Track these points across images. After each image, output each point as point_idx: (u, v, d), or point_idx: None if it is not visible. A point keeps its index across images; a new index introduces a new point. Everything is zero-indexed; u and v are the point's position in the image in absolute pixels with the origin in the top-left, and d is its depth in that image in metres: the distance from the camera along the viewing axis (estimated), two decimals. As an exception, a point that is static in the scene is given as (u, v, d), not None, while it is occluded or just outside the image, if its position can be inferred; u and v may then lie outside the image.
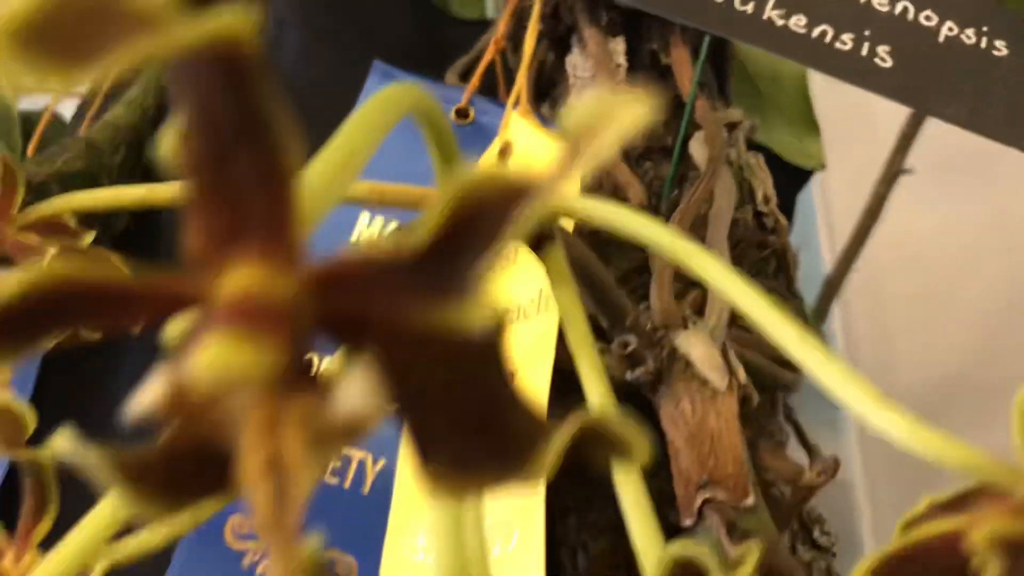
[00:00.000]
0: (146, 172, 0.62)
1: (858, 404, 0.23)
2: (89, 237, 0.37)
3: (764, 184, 0.50)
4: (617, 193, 0.48)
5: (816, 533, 0.46)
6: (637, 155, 0.51)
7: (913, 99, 0.52)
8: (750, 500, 0.37)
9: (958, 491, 0.22)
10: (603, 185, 0.49)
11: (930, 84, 0.51)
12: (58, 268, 0.14)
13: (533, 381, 0.44)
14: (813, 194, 1.15)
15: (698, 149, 0.49)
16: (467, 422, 0.17)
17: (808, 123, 0.70)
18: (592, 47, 0.52)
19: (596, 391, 0.31)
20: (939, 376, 1.19)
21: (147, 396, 0.14)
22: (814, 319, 1.04)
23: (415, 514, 0.47)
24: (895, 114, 0.97)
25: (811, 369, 0.24)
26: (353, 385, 0.15)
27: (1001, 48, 0.51)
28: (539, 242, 0.34)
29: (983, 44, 0.51)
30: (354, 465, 0.50)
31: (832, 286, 1.03)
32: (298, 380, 0.15)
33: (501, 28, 0.55)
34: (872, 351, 1.26)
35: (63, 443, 0.16)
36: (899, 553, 0.21)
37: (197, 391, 0.14)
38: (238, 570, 0.50)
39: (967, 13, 0.51)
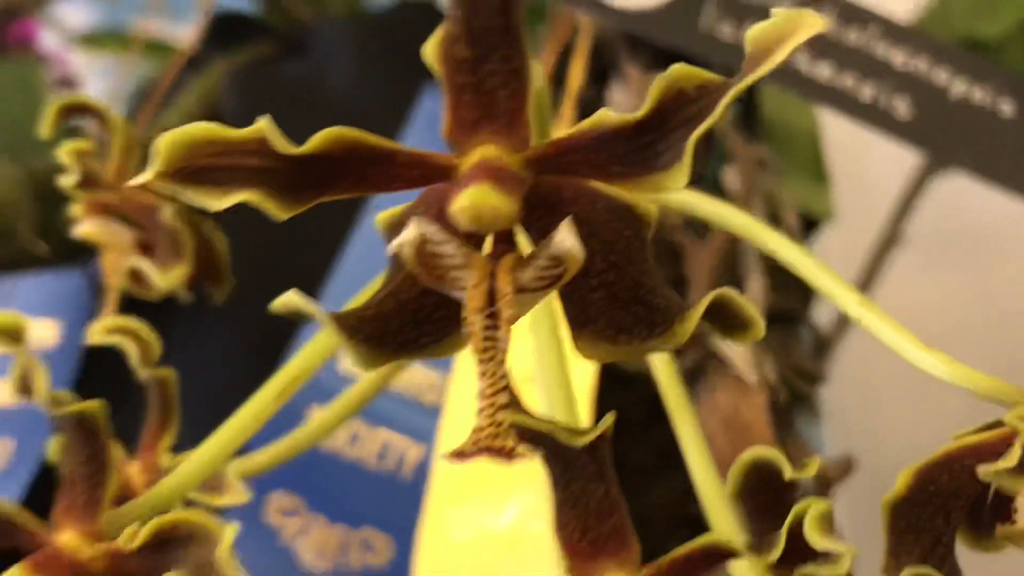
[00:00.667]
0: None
1: (908, 350, 0.27)
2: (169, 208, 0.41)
3: (789, 217, 0.54)
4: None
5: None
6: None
7: (927, 147, 0.57)
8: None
9: (984, 424, 0.26)
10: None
11: (943, 137, 0.56)
12: (350, 132, 0.18)
13: (579, 372, 0.48)
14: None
15: (731, 179, 0.53)
16: (624, 293, 0.21)
17: (818, 175, 0.75)
18: (634, 82, 0.57)
19: (660, 362, 0.35)
20: (926, 446, 1.23)
21: (406, 236, 0.19)
22: (807, 380, 1.08)
23: (451, 497, 0.50)
24: (890, 184, 1.03)
25: (869, 324, 0.28)
26: (558, 241, 0.19)
27: (1006, 109, 0.57)
28: None
29: (989, 102, 0.57)
30: (395, 452, 0.54)
31: (825, 341, 1.08)
32: (509, 238, 0.19)
33: (546, 63, 0.60)
34: (862, 419, 1.30)
35: (295, 300, 0.21)
36: (935, 461, 0.25)
37: (460, 224, 0.18)
38: (275, 546, 0.53)
39: (975, 71, 0.56)
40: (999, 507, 0.26)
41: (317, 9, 0.84)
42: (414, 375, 0.54)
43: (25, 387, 0.23)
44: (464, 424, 0.57)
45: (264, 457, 0.34)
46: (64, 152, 0.36)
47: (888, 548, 0.25)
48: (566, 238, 0.18)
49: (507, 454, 0.19)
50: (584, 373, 0.47)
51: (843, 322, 1.09)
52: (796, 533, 0.20)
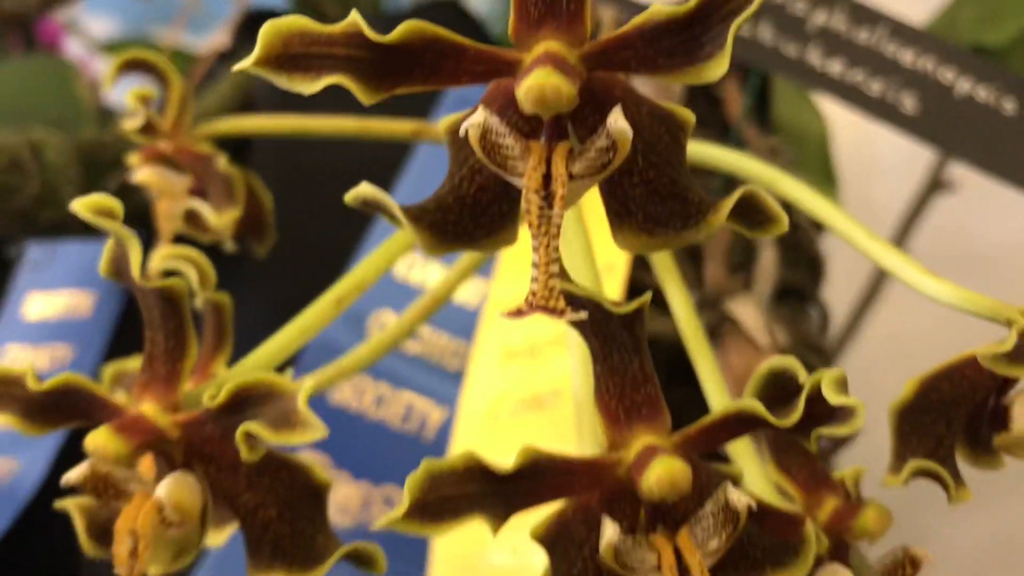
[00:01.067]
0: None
1: (912, 277, 0.29)
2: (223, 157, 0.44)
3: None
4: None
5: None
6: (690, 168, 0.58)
7: (931, 141, 0.60)
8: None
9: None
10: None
11: (948, 131, 0.59)
12: (429, 26, 0.21)
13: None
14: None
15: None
16: (663, 189, 0.23)
17: (827, 178, 0.77)
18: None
19: (678, 300, 0.37)
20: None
21: (474, 119, 0.21)
22: (816, 353, 1.11)
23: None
24: (893, 201, 1.05)
25: (877, 256, 0.31)
26: (612, 123, 0.21)
27: (1009, 107, 0.59)
28: None
29: (993, 101, 0.59)
30: (418, 414, 0.56)
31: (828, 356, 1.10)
32: (560, 130, 0.22)
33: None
34: (860, 441, 1.32)
35: (367, 190, 0.23)
36: (938, 372, 0.27)
37: (525, 105, 0.20)
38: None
39: (980, 72, 0.59)
40: (996, 417, 0.28)
41: (345, 8, 0.87)
42: (439, 340, 0.57)
43: (116, 268, 0.25)
44: (484, 389, 0.59)
45: (334, 370, 0.36)
46: (130, 96, 0.38)
47: (894, 450, 0.28)
48: (618, 120, 0.21)
49: (558, 313, 0.21)
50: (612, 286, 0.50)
51: (846, 337, 1.11)
52: (814, 398, 0.22)
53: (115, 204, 0.25)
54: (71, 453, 0.62)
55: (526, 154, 0.22)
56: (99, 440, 0.24)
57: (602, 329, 0.23)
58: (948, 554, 1.15)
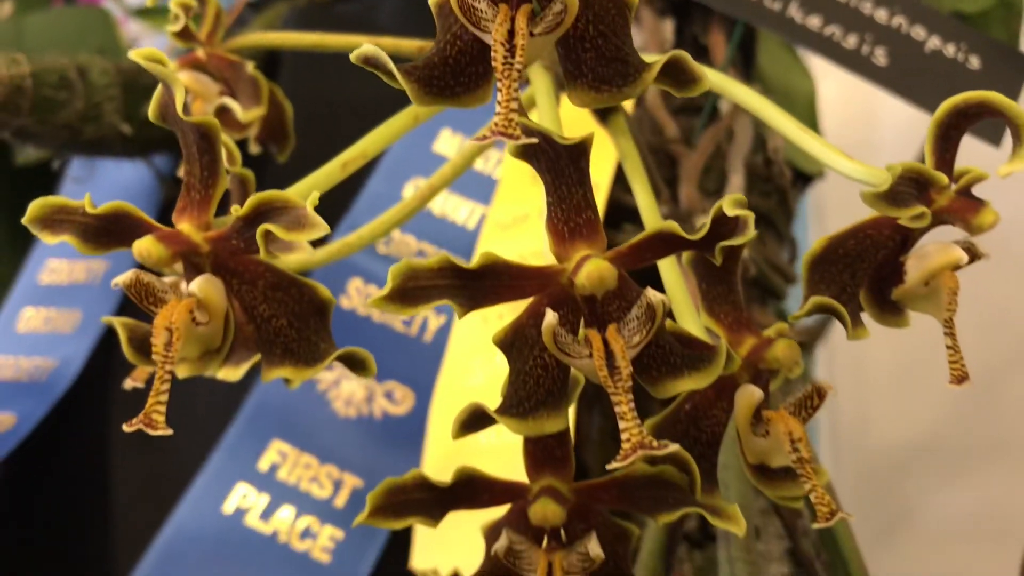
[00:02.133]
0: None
1: (829, 156, 0.34)
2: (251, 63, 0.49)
3: (774, 139, 0.62)
4: (656, 129, 0.61)
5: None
6: (675, 108, 0.63)
7: (902, 92, 0.65)
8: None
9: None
10: (643, 123, 0.61)
11: (916, 83, 0.64)
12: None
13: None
14: (809, 230, 1.27)
15: (726, 106, 0.61)
16: (609, 54, 0.29)
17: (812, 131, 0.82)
18: (647, 24, 0.65)
19: (646, 202, 0.43)
20: (912, 436, 1.29)
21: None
22: (780, 274, 1.16)
23: (467, 353, 0.58)
24: (894, 151, 1.10)
25: (796, 138, 0.36)
26: None
27: (975, 62, 0.64)
28: (605, 113, 0.47)
29: (960, 58, 0.64)
30: (419, 319, 0.61)
31: (822, 322, 1.15)
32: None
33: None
34: (851, 409, 1.36)
35: (369, 49, 0.28)
36: (844, 232, 0.33)
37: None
38: (313, 393, 0.60)
39: (949, 31, 0.64)
40: (895, 274, 0.33)
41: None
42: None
43: (162, 112, 0.31)
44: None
45: (321, 254, 0.42)
46: (173, 4, 0.44)
47: (805, 296, 0.33)
48: None
49: (515, 137, 0.26)
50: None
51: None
52: (719, 219, 0.27)
53: (162, 55, 0.30)
54: (99, 356, 0.68)
55: (495, 12, 0.27)
56: (144, 245, 0.29)
57: (553, 164, 0.28)
58: (935, 520, 1.20)
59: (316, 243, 0.43)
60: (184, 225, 0.31)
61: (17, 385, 0.67)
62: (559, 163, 0.28)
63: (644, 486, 0.31)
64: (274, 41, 0.51)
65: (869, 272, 0.33)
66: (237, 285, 0.31)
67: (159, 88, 0.31)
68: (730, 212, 0.27)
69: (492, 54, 0.27)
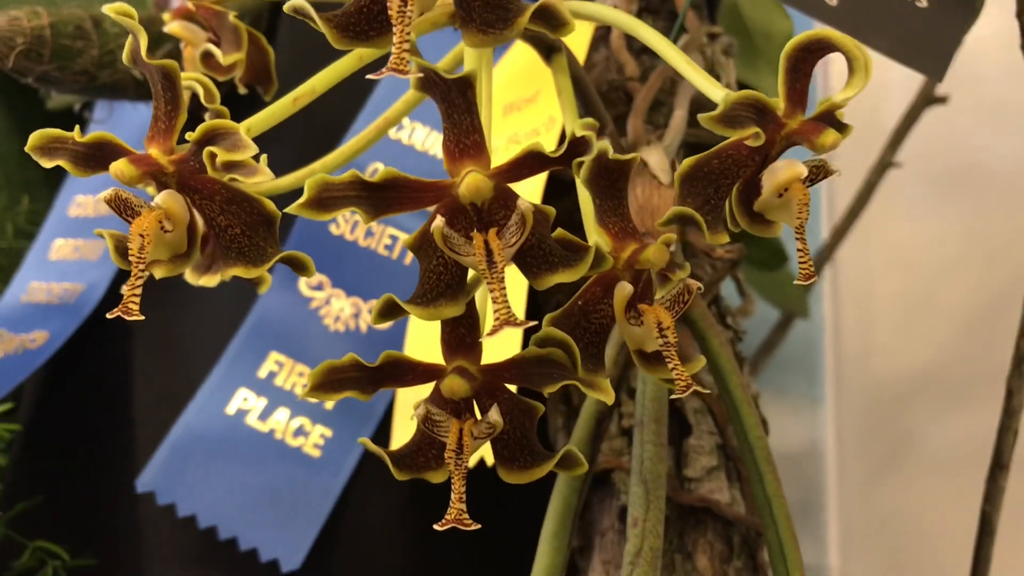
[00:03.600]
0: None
1: (698, 81, 0.40)
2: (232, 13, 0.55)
3: (729, 77, 0.67)
4: (618, 68, 0.66)
5: (728, 319, 0.63)
6: (638, 49, 0.68)
7: (852, 31, 0.70)
8: (673, 248, 0.54)
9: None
10: (609, 61, 0.66)
11: (865, 21, 0.68)
12: None
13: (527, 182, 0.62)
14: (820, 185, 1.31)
15: (683, 48, 0.66)
16: (492, 1, 0.34)
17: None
18: (614, -31, 0.70)
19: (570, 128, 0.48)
20: (914, 368, 1.33)
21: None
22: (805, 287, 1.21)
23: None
24: (894, 113, 1.13)
25: (685, 72, 0.41)
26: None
27: (923, 1, 0.69)
28: (549, 52, 0.52)
29: (905, -4, 0.68)
30: (400, 244, 0.68)
31: (825, 253, 1.19)
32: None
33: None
34: (856, 341, 1.41)
35: (297, 2, 0.35)
36: (709, 154, 0.38)
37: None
38: (306, 311, 0.68)
39: (893, -30, 0.68)
40: (754, 188, 0.39)
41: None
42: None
43: (134, 57, 0.37)
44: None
45: (287, 180, 0.48)
46: (161, -39, 0.51)
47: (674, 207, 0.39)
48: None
49: (404, 74, 0.32)
50: (532, 183, 0.61)
51: (840, 234, 1.21)
52: (573, 141, 0.33)
53: (131, 9, 0.36)
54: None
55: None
56: (118, 166, 0.36)
57: (445, 95, 0.34)
58: (938, 448, 1.25)
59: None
60: (152, 150, 0.37)
61: (49, 307, 0.75)
62: (450, 95, 0.34)
63: (536, 364, 0.37)
64: (254, -8, 0.57)
65: (732, 187, 0.39)
66: (199, 200, 0.38)
67: (130, 38, 0.37)
68: (579, 133, 0.33)
69: (388, 5, 0.33)
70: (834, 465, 1.47)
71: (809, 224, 0.76)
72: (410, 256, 0.68)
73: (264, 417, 0.64)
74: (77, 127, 0.38)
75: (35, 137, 0.39)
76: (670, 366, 0.37)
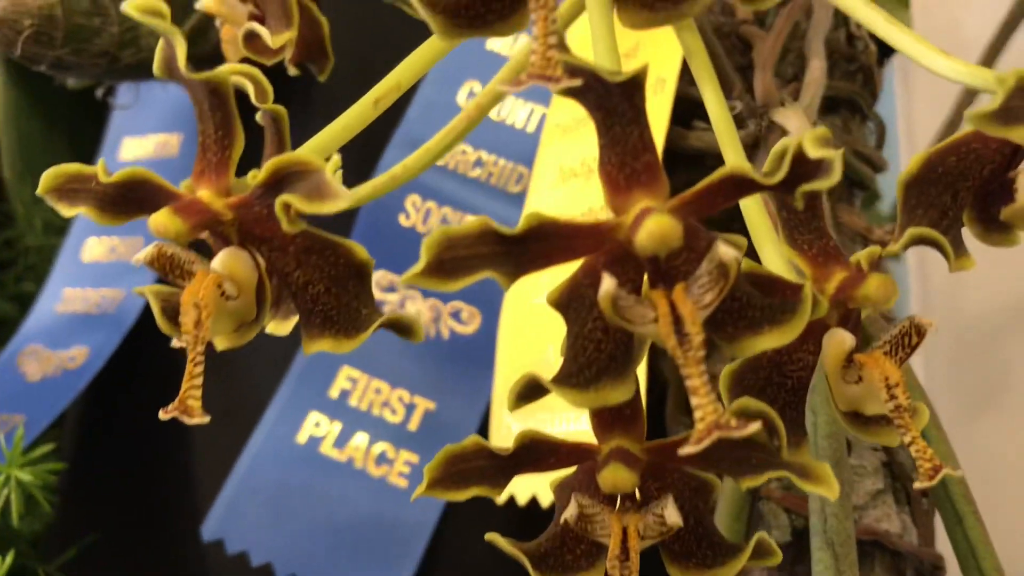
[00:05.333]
0: None
1: (926, 56, 0.30)
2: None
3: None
4: (726, 9, 0.55)
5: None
6: (747, -17, 0.57)
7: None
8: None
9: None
10: (714, 3, 0.56)
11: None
12: None
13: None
14: (896, 107, 1.20)
15: (804, -26, 0.55)
16: None
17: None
18: None
19: (718, 113, 0.38)
20: (1005, 301, 1.24)
21: None
22: (868, 164, 1.11)
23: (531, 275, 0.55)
24: (982, 33, 1.01)
25: (894, 39, 0.31)
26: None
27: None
28: None
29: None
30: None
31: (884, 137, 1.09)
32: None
33: None
34: (943, 274, 1.30)
35: None
36: (945, 146, 0.28)
37: None
38: (379, 317, 0.59)
39: None
40: (1004, 190, 0.29)
41: None
42: (499, 165, 0.59)
43: (167, 66, 0.28)
44: (544, 209, 0.61)
45: (365, 189, 0.39)
46: (186, -75, 0.41)
47: (900, 222, 0.29)
48: None
49: (555, 80, 0.23)
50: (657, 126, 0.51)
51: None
52: (799, 158, 0.24)
53: (162, 5, 0.27)
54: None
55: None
56: (160, 220, 0.27)
57: (603, 102, 0.24)
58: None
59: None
60: (203, 192, 0.28)
61: (88, 318, 0.67)
62: (610, 100, 0.24)
63: (724, 447, 0.28)
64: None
65: (973, 190, 0.29)
66: (267, 252, 0.28)
67: (161, 42, 0.28)
68: (813, 154, 0.23)
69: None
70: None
71: (889, 154, 0.65)
72: (495, 247, 0.59)
73: (341, 444, 0.56)
74: (102, 163, 0.29)
75: (49, 178, 0.30)
76: (907, 440, 0.28)
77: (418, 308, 0.58)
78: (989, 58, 1.03)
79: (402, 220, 0.58)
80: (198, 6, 0.44)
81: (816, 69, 0.49)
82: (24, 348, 0.67)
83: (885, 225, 0.48)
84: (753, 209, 0.31)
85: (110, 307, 0.67)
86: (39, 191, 0.30)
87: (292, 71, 0.46)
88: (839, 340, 0.28)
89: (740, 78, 0.52)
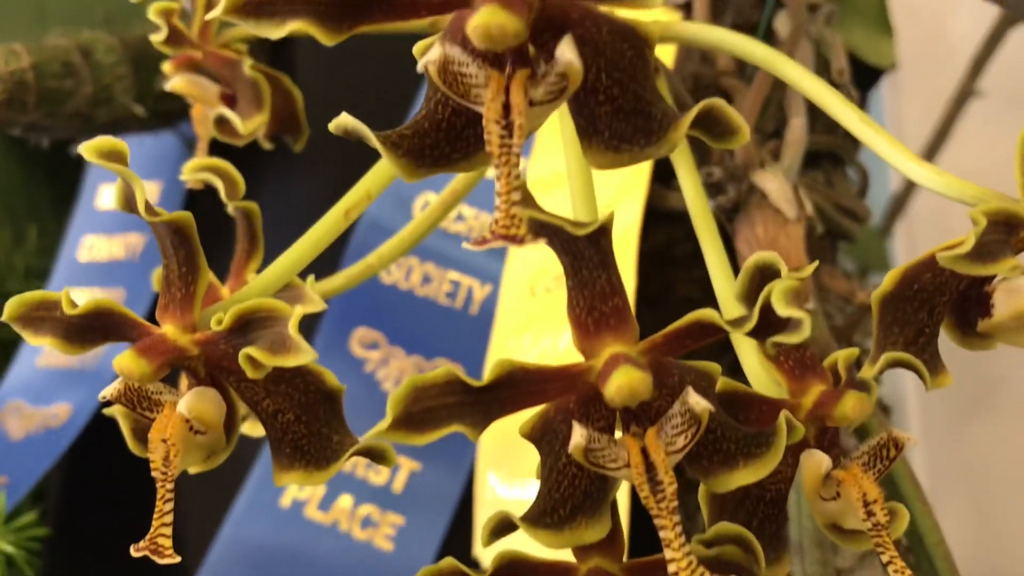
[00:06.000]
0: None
1: (900, 162, 0.29)
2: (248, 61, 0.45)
3: (839, 59, 0.56)
4: (707, 57, 0.55)
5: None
6: (727, 28, 0.57)
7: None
8: (810, 304, 0.44)
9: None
10: (691, 51, 0.55)
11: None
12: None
13: (626, 212, 0.51)
14: (884, 115, 1.20)
15: (782, 25, 0.55)
16: (627, 106, 0.24)
17: (882, 24, 0.75)
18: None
19: (690, 185, 0.38)
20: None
21: (431, 55, 0.22)
22: (879, 235, 1.10)
23: (515, 329, 0.55)
24: (968, 40, 1.01)
25: (868, 139, 0.31)
26: (559, 55, 0.22)
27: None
28: None
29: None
30: (463, 290, 0.58)
31: (898, 203, 1.09)
32: (522, 57, 0.23)
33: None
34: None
35: (347, 120, 0.24)
36: (919, 262, 0.28)
37: (474, 42, 0.21)
38: (360, 375, 0.58)
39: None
40: (980, 303, 0.29)
41: None
42: (481, 219, 0.58)
43: (128, 203, 0.27)
44: (526, 265, 0.61)
45: (339, 279, 0.39)
46: (153, 11, 0.40)
47: (876, 341, 0.29)
48: (566, 52, 0.22)
49: (518, 240, 0.22)
50: (631, 211, 0.51)
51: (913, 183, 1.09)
52: (768, 307, 0.23)
53: (119, 145, 0.26)
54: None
55: (487, 81, 0.23)
56: (124, 362, 0.26)
57: (569, 247, 0.24)
58: (1021, 393, 1.16)
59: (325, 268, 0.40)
60: (168, 327, 0.28)
61: (69, 373, 0.67)
62: (576, 245, 0.24)
63: (706, 565, 0.28)
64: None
65: (950, 304, 0.29)
66: (235, 382, 0.28)
67: (119, 181, 0.27)
68: (782, 312, 0.22)
69: (486, 135, 0.23)
70: (917, 411, 1.38)
71: (876, 174, 0.65)
72: (477, 303, 0.58)
73: (326, 507, 0.55)
74: (66, 292, 0.29)
75: (12, 305, 0.29)
76: (885, 559, 0.28)
77: (402, 365, 0.57)
78: (973, 72, 1.03)
79: (384, 277, 0.58)
80: (168, 86, 0.43)
81: (797, 128, 0.49)
82: (6, 404, 0.67)
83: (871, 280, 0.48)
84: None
85: (91, 362, 0.66)
86: (3, 317, 0.29)
87: (266, 146, 0.46)
88: (816, 462, 0.28)
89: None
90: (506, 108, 0.22)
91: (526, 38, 0.22)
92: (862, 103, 0.74)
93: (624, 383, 0.23)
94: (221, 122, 0.42)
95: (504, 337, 0.55)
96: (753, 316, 0.23)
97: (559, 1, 0.23)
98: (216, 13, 0.22)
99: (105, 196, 0.73)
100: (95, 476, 0.65)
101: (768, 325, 0.23)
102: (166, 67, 0.43)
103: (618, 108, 0.24)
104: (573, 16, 0.23)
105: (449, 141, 0.25)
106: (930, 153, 1.06)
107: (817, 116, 0.54)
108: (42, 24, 0.72)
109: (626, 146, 0.24)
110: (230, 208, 0.37)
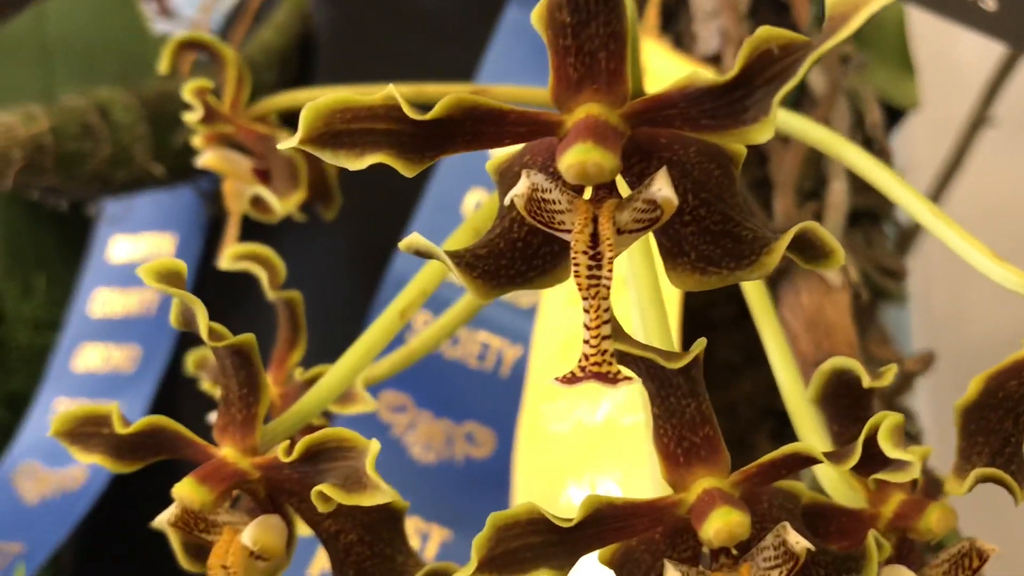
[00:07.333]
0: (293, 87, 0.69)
1: (977, 258, 0.28)
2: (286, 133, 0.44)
3: (872, 113, 0.55)
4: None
5: (907, 424, 0.52)
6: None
7: (1010, 39, 0.57)
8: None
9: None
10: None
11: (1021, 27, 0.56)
12: (469, 97, 0.21)
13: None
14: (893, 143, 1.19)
15: (814, 77, 0.54)
16: (714, 227, 0.23)
17: (904, 63, 0.74)
18: (719, -16, 0.57)
19: (789, 384, 0.37)
20: (1011, 329, 1.23)
21: (518, 190, 0.21)
22: (890, 276, 1.09)
23: (547, 394, 0.54)
24: (979, 68, 1.00)
25: (936, 230, 0.30)
26: (656, 191, 0.21)
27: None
28: None
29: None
30: (493, 352, 0.57)
31: (907, 235, 1.08)
32: (613, 184, 0.22)
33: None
34: (947, 300, 1.29)
35: (418, 241, 0.23)
36: (1005, 368, 0.27)
37: (568, 179, 0.20)
38: (387, 440, 0.57)
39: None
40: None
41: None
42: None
43: (186, 322, 0.26)
44: (557, 326, 0.59)
45: (384, 366, 0.37)
46: (187, 91, 0.39)
47: (959, 450, 0.28)
48: (663, 187, 0.21)
49: (612, 379, 0.21)
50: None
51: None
52: (871, 441, 0.22)
53: (180, 266, 0.25)
54: (165, 395, 0.65)
55: (573, 207, 0.22)
56: (185, 490, 0.25)
57: (658, 373, 0.23)
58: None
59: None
60: (227, 450, 0.26)
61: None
62: (665, 372, 0.23)
63: None
64: (297, 101, 0.45)
65: (1036, 412, 0.28)
66: (297, 503, 0.27)
67: (176, 301, 0.26)
68: (891, 455, 0.21)
69: (573, 266, 0.22)
70: (931, 425, 1.38)
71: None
72: (508, 365, 0.57)
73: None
74: (115, 408, 0.27)
75: (59, 421, 0.28)
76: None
77: (431, 429, 0.56)
78: (986, 100, 1.02)
79: (409, 337, 0.57)
80: (199, 163, 0.42)
81: (838, 192, 0.48)
82: (19, 465, 0.65)
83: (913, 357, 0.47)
84: (806, 426, 0.29)
85: (73, 487, 0.64)
86: (50, 433, 0.28)
87: (299, 217, 0.45)
88: (899, 579, 0.27)
89: (756, 196, 0.51)
90: (594, 238, 0.21)
91: (617, 172, 0.21)
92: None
93: (723, 526, 0.22)
94: (257, 202, 0.41)
95: (536, 402, 0.54)
96: (855, 451, 0.22)
97: (648, 128, 0.22)
98: (292, 143, 0.21)
99: (118, 248, 0.72)
100: (111, 540, 0.64)
101: (871, 460, 0.22)
102: (197, 142, 0.42)
103: (704, 229, 0.23)
104: (661, 141, 0.22)
105: (525, 260, 0.24)
106: (944, 181, 1.05)
107: (853, 177, 0.54)
108: (50, 77, 0.71)
109: (714, 268, 0.23)
110: (271, 296, 0.36)
